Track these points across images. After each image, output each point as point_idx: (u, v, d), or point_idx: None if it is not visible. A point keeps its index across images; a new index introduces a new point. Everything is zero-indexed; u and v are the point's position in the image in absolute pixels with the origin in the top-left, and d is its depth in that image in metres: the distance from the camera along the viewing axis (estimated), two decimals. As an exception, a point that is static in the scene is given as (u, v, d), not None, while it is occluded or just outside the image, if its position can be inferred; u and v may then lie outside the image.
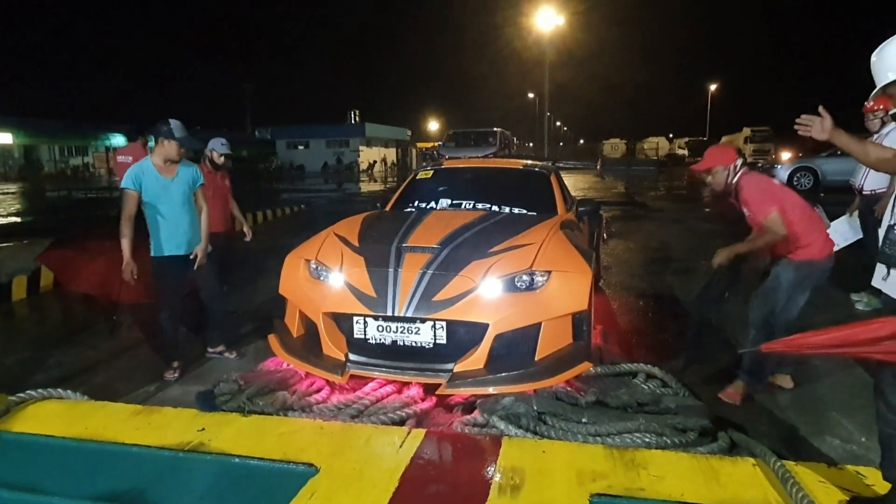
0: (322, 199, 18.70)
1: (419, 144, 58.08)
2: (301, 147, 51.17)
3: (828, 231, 3.36)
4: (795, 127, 2.38)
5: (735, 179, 3.35)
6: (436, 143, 39.28)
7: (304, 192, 22.81)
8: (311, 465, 2.55)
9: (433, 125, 69.26)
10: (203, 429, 2.89)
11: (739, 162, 3.38)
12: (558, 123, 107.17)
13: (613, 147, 60.45)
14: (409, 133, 64.59)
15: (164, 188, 3.79)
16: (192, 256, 3.90)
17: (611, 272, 6.73)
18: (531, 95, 64.11)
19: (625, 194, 17.38)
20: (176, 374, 3.82)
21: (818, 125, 2.30)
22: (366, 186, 25.89)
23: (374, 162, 46.89)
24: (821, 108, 2.29)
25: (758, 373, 3.39)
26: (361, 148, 49.63)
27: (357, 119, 54.07)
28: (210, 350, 4.19)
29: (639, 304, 5.50)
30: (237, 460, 2.61)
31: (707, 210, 13.87)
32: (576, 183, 21.70)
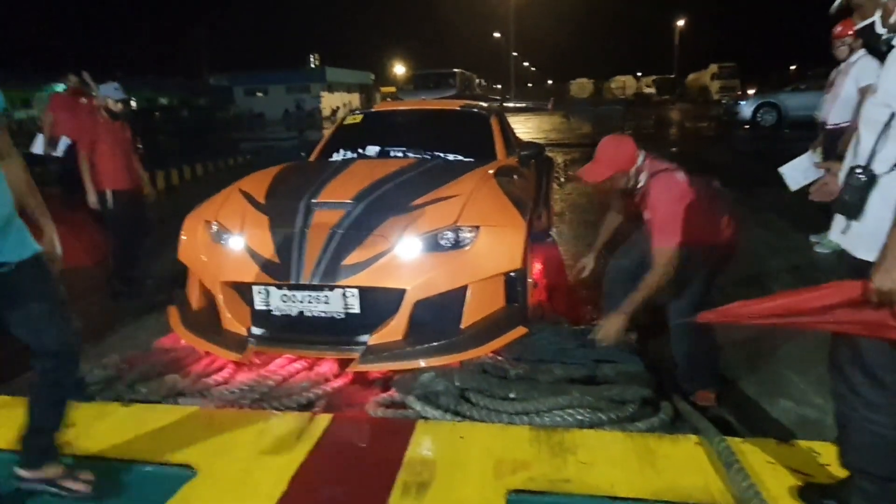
0: (285, 146, 17.75)
1: (383, 89, 56.26)
2: (260, 94, 49.00)
3: (726, 217, 2.65)
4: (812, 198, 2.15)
5: (642, 183, 2.61)
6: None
7: (262, 140, 21.76)
8: (188, 466, 2.19)
9: (399, 69, 67.01)
10: (74, 424, 2.49)
11: (641, 158, 2.62)
12: (526, 64, 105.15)
13: (581, 87, 59.04)
14: (373, 77, 62.39)
15: None
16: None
17: (564, 220, 6.38)
18: (497, 35, 62.38)
19: (589, 135, 16.88)
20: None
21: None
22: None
23: (338, 108, 45.24)
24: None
25: (703, 371, 2.72)
26: (323, 94, 47.75)
27: (317, 63, 51.78)
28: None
29: (591, 253, 5.16)
30: (102, 465, 2.23)
31: (673, 150, 13.55)
32: (540, 125, 21.15)
